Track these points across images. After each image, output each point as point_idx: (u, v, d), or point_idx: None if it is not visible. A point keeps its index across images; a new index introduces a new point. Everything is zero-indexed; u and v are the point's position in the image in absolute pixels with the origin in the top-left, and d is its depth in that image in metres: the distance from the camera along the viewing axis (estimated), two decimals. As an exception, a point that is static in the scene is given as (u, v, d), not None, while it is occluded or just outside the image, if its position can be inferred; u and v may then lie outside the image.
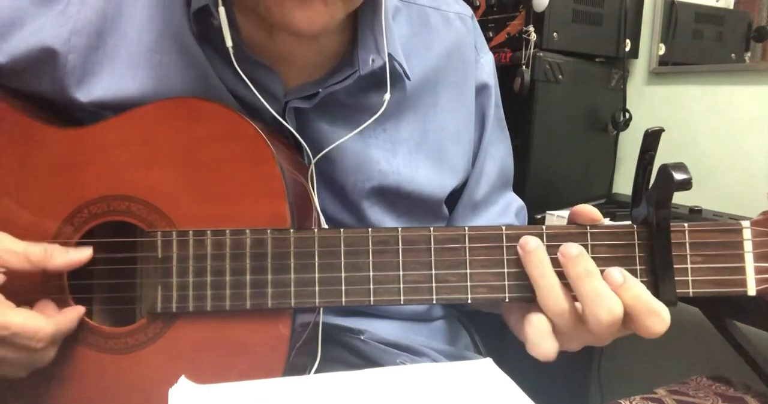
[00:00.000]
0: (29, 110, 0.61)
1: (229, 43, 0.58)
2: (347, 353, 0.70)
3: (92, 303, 0.60)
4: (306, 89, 0.64)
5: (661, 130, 0.51)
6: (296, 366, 0.58)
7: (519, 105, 1.28)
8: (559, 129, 1.35)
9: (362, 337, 0.69)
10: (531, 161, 1.30)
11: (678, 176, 0.49)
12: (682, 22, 1.47)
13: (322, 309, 0.62)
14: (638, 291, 0.50)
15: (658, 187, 0.50)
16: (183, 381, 0.47)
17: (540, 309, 0.52)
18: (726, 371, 1.15)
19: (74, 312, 0.55)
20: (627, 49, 1.43)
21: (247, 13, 0.61)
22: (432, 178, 0.71)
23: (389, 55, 0.63)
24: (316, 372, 0.60)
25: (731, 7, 1.43)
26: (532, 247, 0.52)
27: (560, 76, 1.31)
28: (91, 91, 0.61)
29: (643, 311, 0.50)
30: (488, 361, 0.51)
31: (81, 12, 0.61)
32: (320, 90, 0.63)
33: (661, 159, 0.52)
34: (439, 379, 0.49)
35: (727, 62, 1.42)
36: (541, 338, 0.51)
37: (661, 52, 1.48)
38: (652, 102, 1.51)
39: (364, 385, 0.47)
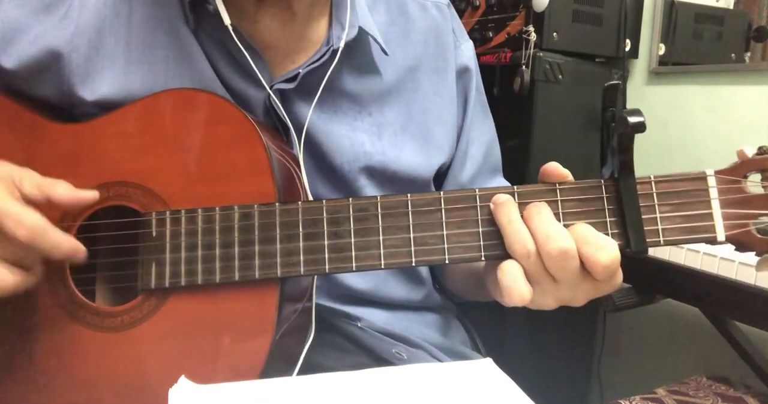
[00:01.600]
0: (34, 108, 0.64)
1: (227, 21, 0.62)
2: (342, 339, 0.70)
3: (94, 283, 0.63)
4: (290, 74, 0.67)
5: (617, 84, 0.54)
6: (289, 350, 0.59)
7: (519, 105, 1.29)
8: (559, 129, 1.35)
9: (359, 324, 0.70)
10: (531, 161, 1.30)
11: (633, 119, 0.51)
12: (682, 22, 1.47)
13: (315, 294, 0.63)
14: (582, 228, 0.53)
15: (618, 134, 0.52)
16: (183, 381, 0.47)
17: (510, 258, 0.53)
18: (726, 371, 1.15)
19: (66, 239, 0.54)
20: (627, 49, 1.43)
21: (233, 4, 0.64)
22: (417, 157, 0.73)
23: (360, 28, 0.67)
24: (311, 354, 0.61)
25: (731, 7, 1.43)
26: (503, 200, 0.54)
27: (560, 76, 1.31)
28: (96, 90, 0.64)
29: (582, 240, 0.52)
30: (488, 361, 0.51)
31: (81, 15, 0.64)
32: (300, 70, 0.65)
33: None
34: (439, 379, 0.49)
35: (727, 62, 1.42)
36: (514, 281, 0.52)
37: (661, 52, 1.48)
38: (652, 102, 1.51)
39: (364, 385, 0.47)
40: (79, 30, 0.63)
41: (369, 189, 0.71)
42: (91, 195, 0.55)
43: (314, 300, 0.63)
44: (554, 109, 1.33)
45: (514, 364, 0.57)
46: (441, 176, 0.78)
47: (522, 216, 0.53)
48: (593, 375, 1.56)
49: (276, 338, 0.55)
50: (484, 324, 0.85)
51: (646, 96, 1.51)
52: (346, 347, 0.70)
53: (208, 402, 0.45)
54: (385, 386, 0.47)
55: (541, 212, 0.53)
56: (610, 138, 0.55)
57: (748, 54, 1.37)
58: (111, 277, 0.63)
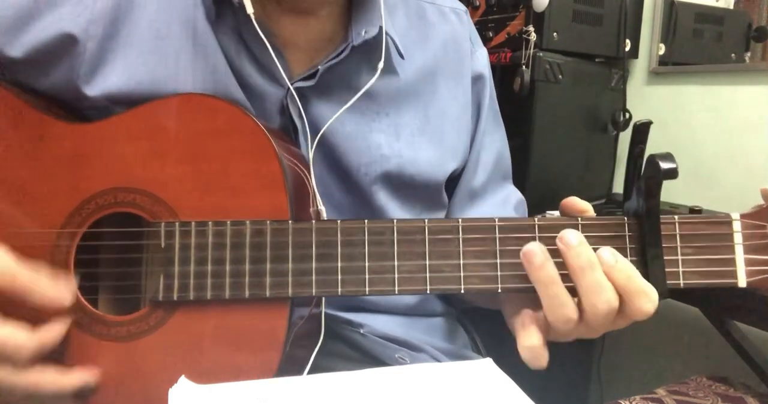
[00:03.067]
0: (40, 105, 0.62)
1: (250, 10, 0.61)
2: (346, 346, 0.70)
3: (98, 292, 0.62)
4: (309, 71, 0.66)
5: (649, 123, 0.52)
6: (294, 357, 0.59)
7: (519, 105, 1.28)
8: (559, 129, 1.35)
9: (361, 331, 0.70)
10: (531, 161, 1.30)
11: (664, 165, 0.49)
12: (682, 22, 1.47)
13: (324, 300, 0.62)
14: (630, 273, 0.50)
15: (647, 177, 0.51)
16: (183, 381, 0.47)
17: (535, 320, 0.53)
18: (726, 371, 1.15)
19: (57, 327, 0.54)
20: (627, 49, 1.43)
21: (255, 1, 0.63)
22: (433, 160, 0.73)
23: (381, 28, 0.66)
24: (315, 363, 0.61)
25: (731, 7, 1.43)
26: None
27: (560, 76, 1.31)
28: (105, 80, 0.62)
29: (634, 291, 0.50)
30: (488, 361, 0.51)
31: (97, 2, 0.63)
32: (319, 67, 0.65)
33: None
34: (440, 379, 0.49)
35: (727, 62, 1.42)
36: (534, 357, 0.53)
37: (661, 52, 1.48)
38: (652, 102, 1.50)
39: (364, 385, 0.47)
40: (94, 18, 0.62)
41: (382, 193, 0.70)
42: (67, 299, 0.54)
43: (323, 307, 0.63)
44: (554, 109, 1.33)
45: (514, 364, 0.57)
46: (452, 182, 0.78)
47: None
48: (593, 375, 1.56)
49: (286, 351, 0.55)
50: (485, 324, 0.85)
51: (646, 96, 1.51)
52: (349, 354, 0.70)
53: (208, 402, 0.45)
54: (385, 386, 0.47)
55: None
56: (637, 174, 0.54)
57: (748, 54, 1.37)
58: (116, 286, 0.62)
